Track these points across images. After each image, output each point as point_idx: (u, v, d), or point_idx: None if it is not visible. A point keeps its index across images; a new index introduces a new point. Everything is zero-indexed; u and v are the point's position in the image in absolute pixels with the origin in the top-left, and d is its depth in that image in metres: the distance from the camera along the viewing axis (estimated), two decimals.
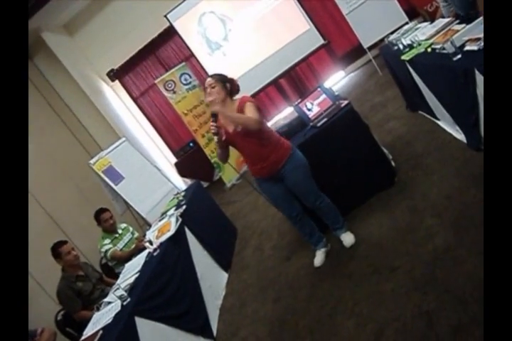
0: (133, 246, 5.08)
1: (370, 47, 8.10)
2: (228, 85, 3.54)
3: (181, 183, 9.48)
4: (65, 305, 4.41)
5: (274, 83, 9.23)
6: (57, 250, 4.46)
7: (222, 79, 3.54)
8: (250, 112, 3.33)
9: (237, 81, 3.68)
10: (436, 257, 2.85)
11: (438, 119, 4.52)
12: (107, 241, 5.16)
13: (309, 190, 3.65)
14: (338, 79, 9.68)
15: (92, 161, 6.65)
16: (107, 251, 5.07)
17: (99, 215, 5.25)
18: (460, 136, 3.94)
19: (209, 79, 3.54)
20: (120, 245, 5.22)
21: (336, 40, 9.41)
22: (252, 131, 3.35)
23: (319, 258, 3.83)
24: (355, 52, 9.27)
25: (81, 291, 4.40)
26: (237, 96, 3.61)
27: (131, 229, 5.60)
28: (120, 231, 5.38)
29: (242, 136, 3.45)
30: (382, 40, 7.36)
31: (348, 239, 3.75)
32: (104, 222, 5.23)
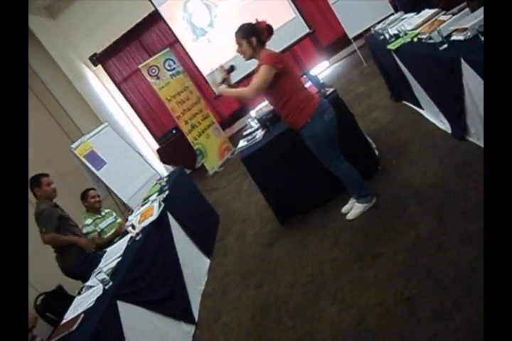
0: (113, 230, 5.06)
1: (355, 38, 8.10)
2: (254, 39, 3.42)
3: (163, 170, 9.44)
4: (42, 223, 4.41)
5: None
6: (38, 179, 4.54)
7: (246, 35, 3.42)
8: (255, 79, 3.38)
9: (265, 25, 3.50)
10: (418, 244, 2.88)
11: (422, 109, 4.55)
12: (89, 221, 5.11)
13: (321, 157, 3.67)
14: (322, 69, 9.68)
15: (73, 146, 6.59)
16: (88, 233, 5.01)
17: (87, 192, 5.26)
18: (444, 126, 3.97)
19: (235, 37, 3.47)
20: (102, 225, 5.17)
21: (322, 30, 9.43)
22: (269, 92, 3.49)
23: (348, 205, 3.89)
24: (340, 42, 9.30)
25: (62, 215, 4.53)
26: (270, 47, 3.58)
27: (114, 214, 5.54)
28: (103, 214, 5.34)
29: (265, 94, 3.59)
30: (367, 30, 7.38)
31: (353, 211, 3.75)
32: (91, 198, 5.22)
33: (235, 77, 3.79)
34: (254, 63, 3.62)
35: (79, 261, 4.52)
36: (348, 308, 2.78)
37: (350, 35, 8.00)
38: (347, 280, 3.04)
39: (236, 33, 3.47)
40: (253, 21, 3.50)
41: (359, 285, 2.91)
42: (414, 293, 2.52)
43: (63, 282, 4.94)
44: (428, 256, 2.72)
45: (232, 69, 3.71)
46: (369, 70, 7.24)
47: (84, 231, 5.02)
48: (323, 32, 9.49)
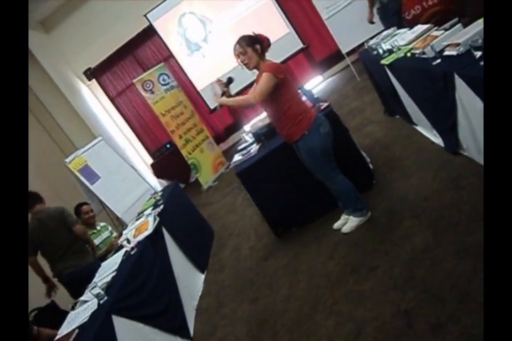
0: (107, 245, 5.05)
1: (349, 53, 8.16)
2: (258, 46, 3.45)
3: (157, 184, 9.43)
4: (71, 216, 4.72)
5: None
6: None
7: (250, 43, 3.44)
8: (257, 86, 3.39)
9: (264, 36, 3.55)
10: (414, 257, 2.89)
11: (415, 123, 4.58)
12: None
13: (316, 170, 3.67)
14: (316, 84, 9.75)
15: (67, 160, 6.58)
16: None
17: (80, 207, 5.21)
18: (437, 140, 4.00)
19: (237, 46, 3.46)
20: (96, 241, 5.13)
21: (315, 45, 9.50)
22: (267, 103, 3.51)
23: (339, 222, 3.89)
24: (334, 57, 9.36)
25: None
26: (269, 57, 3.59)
27: (109, 228, 5.52)
28: (98, 228, 5.30)
29: (263, 105, 3.59)
30: (360, 45, 7.44)
31: (348, 225, 3.75)
32: (84, 213, 5.16)
33: (233, 89, 3.79)
34: (252, 75, 3.65)
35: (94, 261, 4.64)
36: (345, 322, 2.77)
37: (344, 50, 8.06)
38: (343, 294, 3.04)
39: (239, 42, 3.47)
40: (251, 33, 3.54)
41: (355, 298, 2.91)
42: (410, 306, 2.53)
43: (56, 297, 4.91)
44: (424, 268, 2.73)
45: (230, 81, 3.71)
46: (362, 85, 7.30)
47: None
48: (317, 47, 9.57)
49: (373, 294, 2.83)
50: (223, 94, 3.63)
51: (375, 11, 6.46)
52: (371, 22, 6.67)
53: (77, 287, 4.20)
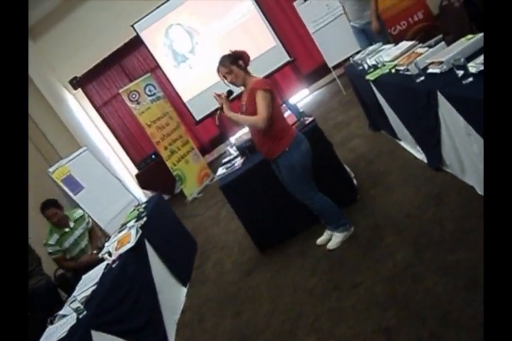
0: (85, 239, 5.00)
1: (335, 67, 8.22)
2: (241, 62, 3.47)
3: (142, 195, 9.38)
4: None
5: (240, 97, 9.17)
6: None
7: (233, 60, 3.45)
8: (260, 107, 3.33)
9: (242, 51, 3.55)
10: (396, 274, 2.89)
11: (399, 139, 4.61)
12: (54, 237, 4.84)
13: (295, 190, 3.67)
14: (302, 97, 9.80)
15: (51, 169, 6.55)
16: (51, 253, 4.86)
17: (43, 212, 4.86)
18: (421, 155, 4.03)
19: (221, 67, 3.47)
20: (67, 243, 4.87)
21: (302, 58, 9.54)
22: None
23: (323, 237, 3.88)
24: (320, 70, 9.40)
25: None
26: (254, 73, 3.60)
27: (86, 218, 5.29)
28: (72, 225, 4.99)
29: None
30: (346, 59, 7.49)
31: (333, 241, 3.73)
32: (48, 219, 4.86)
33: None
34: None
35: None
36: (326, 338, 2.77)
37: (330, 64, 8.11)
38: (325, 310, 3.03)
39: (221, 63, 3.47)
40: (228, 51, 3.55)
41: (337, 315, 2.91)
42: (392, 323, 2.53)
43: None
44: (405, 286, 2.73)
45: (230, 94, 3.68)
46: (348, 99, 7.34)
47: (49, 250, 4.84)
48: (304, 60, 9.62)
49: (355, 311, 2.83)
50: (222, 107, 3.59)
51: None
52: (379, 32, 6.57)
53: None
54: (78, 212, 5.17)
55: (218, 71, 3.52)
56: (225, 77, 3.50)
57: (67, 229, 4.93)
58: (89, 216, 6.16)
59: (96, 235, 5.22)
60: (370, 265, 3.15)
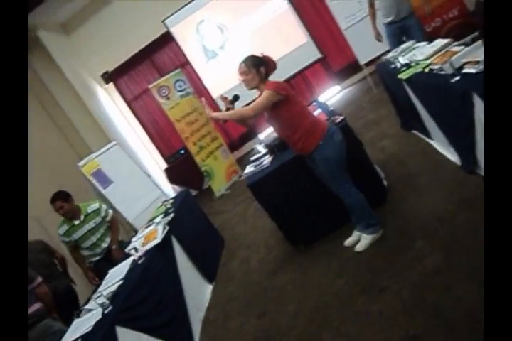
0: (98, 233, 4.97)
1: (366, 64, 8.11)
2: (263, 69, 3.45)
3: (170, 190, 9.42)
4: None
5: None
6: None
7: (255, 64, 3.44)
8: (256, 101, 3.38)
9: (272, 59, 3.55)
10: (425, 280, 2.83)
11: (432, 139, 4.52)
12: (63, 228, 4.88)
13: (330, 182, 3.64)
14: (331, 95, 9.70)
15: (80, 163, 6.59)
16: (64, 242, 4.99)
17: (52, 204, 4.82)
18: (454, 157, 3.93)
19: (242, 64, 3.46)
20: (76, 236, 4.86)
21: (333, 55, 9.45)
22: (276, 120, 3.54)
23: (351, 239, 3.83)
24: (351, 67, 9.29)
25: None
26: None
27: (103, 212, 5.13)
28: (82, 218, 4.93)
29: (271, 122, 3.62)
30: (378, 57, 7.40)
31: (361, 243, 3.68)
32: (58, 210, 4.81)
33: (237, 106, 3.75)
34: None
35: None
36: None
37: (362, 62, 8.02)
38: (351, 314, 2.98)
39: (245, 61, 3.47)
40: (266, 48, 3.54)
41: (363, 319, 2.85)
42: (419, 331, 2.46)
43: None
44: (435, 293, 2.66)
45: (235, 98, 3.68)
46: (379, 97, 7.23)
47: (62, 239, 4.95)
48: (335, 57, 9.51)
49: (382, 316, 2.77)
50: (227, 110, 3.60)
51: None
52: (378, 39, 6.57)
53: None
54: (92, 206, 5.07)
55: (239, 67, 3.50)
56: (241, 75, 3.49)
57: (76, 222, 4.89)
58: (113, 208, 6.25)
59: (115, 229, 5.16)
60: (399, 269, 3.08)
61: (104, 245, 5.01)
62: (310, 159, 3.65)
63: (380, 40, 6.52)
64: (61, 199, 4.81)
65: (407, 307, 2.70)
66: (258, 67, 3.43)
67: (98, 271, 5.01)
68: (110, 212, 5.18)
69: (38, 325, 3.64)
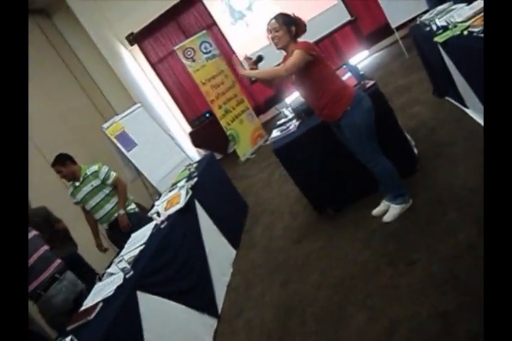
0: (98, 196, 4.85)
1: (398, 28, 7.79)
2: (294, 28, 3.31)
3: (195, 153, 9.37)
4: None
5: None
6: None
7: (287, 22, 3.29)
8: (288, 60, 3.23)
9: (303, 21, 3.40)
10: (457, 255, 2.70)
11: (467, 107, 4.32)
12: (70, 189, 4.91)
13: (357, 150, 3.51)
14: (361, 59, 9.41)
15: (105, 126, 6.55)
16: (76, 203, 4.99)
17: (52, 167, 4.83)
18: None
19: (273, 21, 3.32)
20: (78, 196, 4.85)
21: (363, 18, 9.10)
22: (303, 83, 3.39)
23: (379, 208, 3.72)
24: (382, 31, 8.94)
25: None
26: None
27: (102, 174, 4.87)
28: (81, 179, 4.83)
29: (298, 85, 3.47)
30: (411, 20, 7.12)
31: (390, 213, 3.56)
32: (57, 174, 4.85)
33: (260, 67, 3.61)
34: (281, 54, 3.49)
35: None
36: (377, 318, 2.63)
37: (393, 25, 7.68)
38: (377, 287, 2.89)
39: (276, 18, 3.32)
40: (294, 9, 3.38)
41: (390, 293, 2.76)
42: (450, 308, 2.36)
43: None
44: (467, 268, 2.54)
45: (259, 59, 3.53)
46: (411, 62, 6.97)
47: (72, 201, 4.97)
48: (365, 20, 9.15)
49: (410, 291, 2.67)
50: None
51: None
52: None
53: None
54: (92, 168, 4.86)
55: (269, 23, 3.35)
56: (271, 32, 3.34)
57: (77, 184, 4.84)
58: (137, 171, 6.29)
59: (121, 192, 4.93)
60: (429, 242, 2.96)
61: (109, 206, 4.87)
62: (336, 127, 3.52)
63: None
64: (59, 164, 4.76)
65: (437, 283, 2.59)
66: (289, 25, 3.29)
67: (112, 241, 5.11)
68: (112, 174, 4.93)
69: (64, 278, 3.72)
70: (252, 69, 3.48)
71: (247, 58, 3.56)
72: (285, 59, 3.46)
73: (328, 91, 3.33)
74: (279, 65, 3.65)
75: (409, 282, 2.74)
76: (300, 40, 3.39)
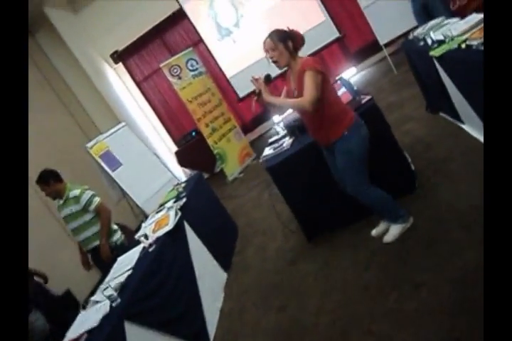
0: (76, 222, 4.57)
1: (386, 44, 7.76)
2: (290, 43, 3.13)
3: (181, 173, 9.20)
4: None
5: (285, 74, 8.83)
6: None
7: (282, 38, 3.11)
8: (307, 88, 3.01)
9: (299, 33, 3.23)
10: (466, 276, 2.55)
11: (463, 123, 4.22)
12: (57, 204, 4.67)
13: (347, 179, 3.33)
14: (349, 76, 9.35)
15: (89, 145, 6.38)
16: None
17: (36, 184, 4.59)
18: None
19: (268, 40, 3.15)
20: (61, 215, 4.65)
21: (351, 34, 9.10)
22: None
23: (378, 228, 3.56)
24: (370, 48, 8.95)
25: None
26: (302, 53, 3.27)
27: (83, 200, 4.55)
28: (64, 199, 4.58)
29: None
30: (399, 37, 7.09)
31: (390, 233, 3.39)
32: (42, 192, 4.63)
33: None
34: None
35: None
36: None
37: (382, 42, 7.66)
38: (382, 312, 2.72)
39: (270, 35, 3.15)
40: (282, 26, 3.23)
41: (397, 319, 2.59)
42: (463, 333, 2.20)
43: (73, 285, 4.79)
44: (479, 291, 2.38)
45: (268, 79, 3.35)
46: (400, 78, 6.92)
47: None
48: (353, 37, 9.15)
49: (418, 316, 2.51)
50: (259, 93, 3.28)
51: None
52: None
53: None
54: (74, 192, 4.57)
55: (264, 43, 3.18)
56: (268, 52, 3.18)
57: (61, 202, 4.62)
58: (122, 191, 6.03)
59: (103, 221, 4.59)
60: (435, 263, 2.81)
61: (88, 234, 4.58)
62: (328, 150, 3.39)
63: None
64: (42, 183, 4.55)
65: (447, 307, 2.43)
66: (285, 41, 3.11)
67: (95, 263, 4.81)
68: (96, 200, 4.61)
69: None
70: (260, 90, 3.28)
71: (255, 79, 3.34)
72: (295, 77, 3.24)
73: (331, 111, 3.18)
74: (283, 75, 3.50)
75: (417, 306, 2.58)
76: (301, 54, 3.24)
